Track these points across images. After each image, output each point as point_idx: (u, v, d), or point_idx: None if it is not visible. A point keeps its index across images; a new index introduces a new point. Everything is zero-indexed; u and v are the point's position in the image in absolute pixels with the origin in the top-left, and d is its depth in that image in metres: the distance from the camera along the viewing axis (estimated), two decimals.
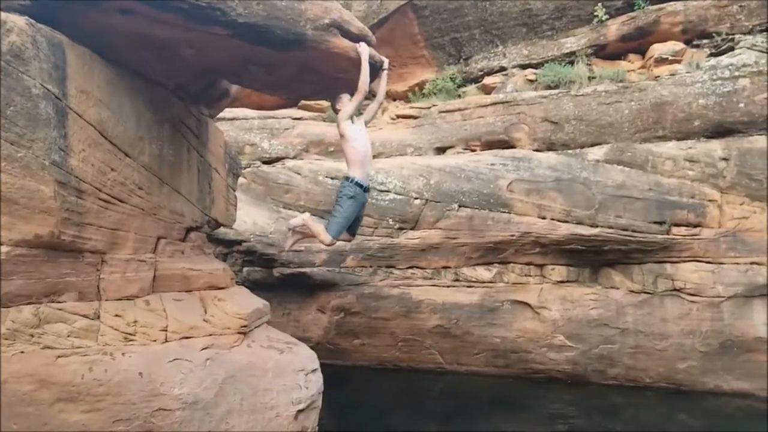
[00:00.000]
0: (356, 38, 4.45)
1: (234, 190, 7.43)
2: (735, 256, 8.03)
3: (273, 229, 9.29)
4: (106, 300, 4.13)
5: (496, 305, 8.78)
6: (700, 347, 8.00)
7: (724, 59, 8.50)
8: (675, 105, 8.42)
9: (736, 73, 8.27)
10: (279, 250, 9.08)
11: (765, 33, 8.60)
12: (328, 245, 4.65)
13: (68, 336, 3.75)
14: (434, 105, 10.14)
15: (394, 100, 11.27)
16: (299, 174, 9.66)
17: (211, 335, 4.41)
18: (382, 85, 4.97)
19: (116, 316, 4.04)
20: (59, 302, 3.79)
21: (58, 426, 3.54)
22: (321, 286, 9.21)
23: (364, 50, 4.46)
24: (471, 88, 10.57)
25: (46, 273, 3.69)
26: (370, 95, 4.91)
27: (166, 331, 4.20)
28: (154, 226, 4.86)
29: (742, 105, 8.16)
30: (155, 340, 4.11)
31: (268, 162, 10.06)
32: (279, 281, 9.31)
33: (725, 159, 8.20)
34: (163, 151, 4.94)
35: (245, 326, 4.63)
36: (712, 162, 8.25)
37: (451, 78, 10.76)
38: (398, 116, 10.41)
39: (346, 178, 4.60)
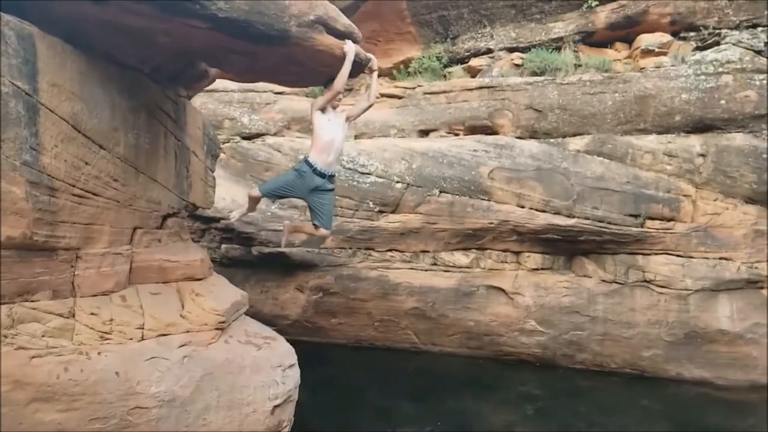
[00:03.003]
0: (342, 35, 4.33)
1: (212, 171, 7.30)
2: (705, 250, 8.25)
3: None
4: (81, 297, 4.08)
5: (471, 290, 8.92)
6: (665, 337, 8.27)
7: (709, 54, 8.52)
8: (658, 98, 8.45)
9: (720, 69, 8.31)
10: (258, 229, 9.04)
11: (751, 29, 8.60)
12: (251, 196, 4.84)
13: (43, 336, 3.72)
14: (419, 85, 10.02)
15: (379, 76, 11.04)
16: (280, 152, 9.53)
17: (188, 332, 4.41)
18: (374, 87, 4.90)
19: (92, 314, 4.00)
20: (33, 301, 3.75)
21: (33, 425, 3.55)
22: (300, 266, 9.22)
23: (350, 49, 4.35)
24: (457, 68, 10.43)
25: (18, 273, 3.62)
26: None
27: (143, 328, 4.19)
28: (129, 217, 4.78)
29: (723, 102, 8.23)
30: (132, 339, 4.11)
31: (248, 138, 9.88)
32: (258, 259, 9.28)
33: (703, 155, 8.31)
34: (139, 140, 4.82)
35: (223, 322, 4.64)
36: (689, 157, 8.36)
37: (437, 57, 10.60)
38: (382, 95, 10.25)
39: (304, 158, 4.65)
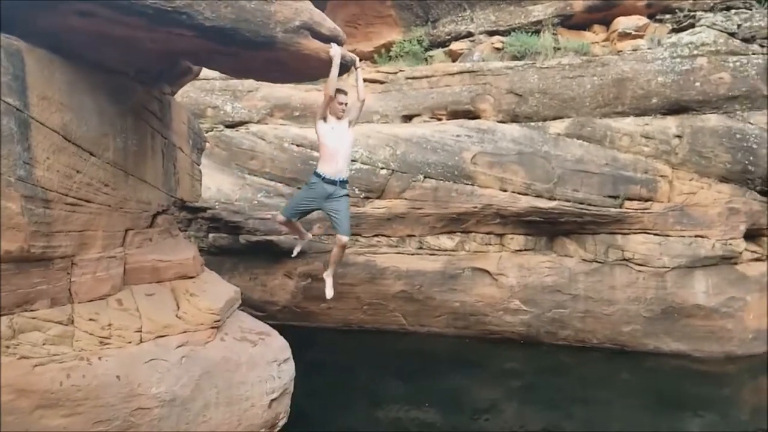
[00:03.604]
0: (327, 39, 4.39)
1: (198, 165, 7.34)
2: (681, 229, 8.51)
3: (238, 197, 9.24)
4: (79, 303, 4.19)
5: (457, 272, 9.13)
6: (644, 312, 8.56)
7: (685, 36, 8.66)
8: (635, 81, 8.60)
9: (695, 52, 8.47)
10: (245, 218, 9.09)
11: (725, 11, 8.76)
12: (279, 222, 5.14)
13: (44, 344, 3.83)
14: (401, 70, 10.02)
15: (360, 60, 11.02)
16: (264, 140, 9.53)
17: (185, 332, 4.54)
18: (360, 84, 4.97)
19: (90, 320, 4.11)
20: (32, 311, 3.84)
21: (39, 430, 3.68)
22: (288, 253, 9.24)
23: (335, 53, 4.41)
24: (438, 52, 10.45)
25: (17, 284, 3.71)
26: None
27: (141, 331, 4.31)
28: (121, 219, 4.85)
29: (698, 84, 8.42)
30: (131, 342, 4.22)
31: (231, 126, 9.83)
32: (245, 247, 9.35)
33: (679, 136, 8.52)
34: (127, 143, 4.86)
35: (218, 321, 4.76)
36: (666, 139, 8.56)
37: (418, 41, 10.59)
38: (364, 80, 10.17)
39: (316, 174, 4.82)
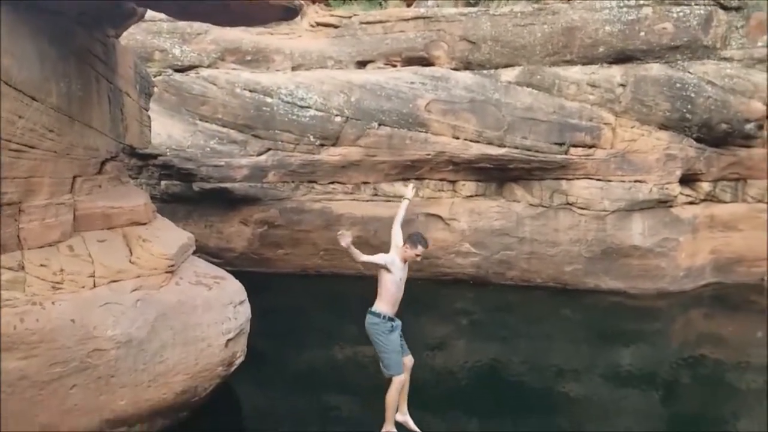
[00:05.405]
0: None
1: (147, 110, 7.21)
2: (621, 174, 8.94)
3: (190, 143, 9.12)
4: (29, 249, 4.20)
5: (411, 218, 9.30)
6: (585, 253, 9.07)
7: None
8: (583, 30, 8.79)
9: (641, 2, 8.68)
10: (198, 165, 9.01)
11: None
12: (402, 380, 4.71)
13: None
14: (355, 15, 9.89)
15: (314, 2, 10.79)
16: (215, 85, 9.34)
17: (139, 277, 4.61)
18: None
19: (41, 266, 4.14)
20: None
21: None
22: (243, 201, 9.33)
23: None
24: None
25: None
26: None
27: (94, 276, 4.36)
28: (68, 166, 4.81)
29: (642, 34, 8.67)
30: (84, 287, 4.28)
31: (181, 70, 9.57)
32: (199, 195, 9.32)
33: (623, 85, 8.82)
34: (71, 88, 4.76)
35: (172, 266, 4.85)
36: (611, 87, 8.85)
37: None
38: (318, 23, 10.08)
39: (377, 315, 4.67)
